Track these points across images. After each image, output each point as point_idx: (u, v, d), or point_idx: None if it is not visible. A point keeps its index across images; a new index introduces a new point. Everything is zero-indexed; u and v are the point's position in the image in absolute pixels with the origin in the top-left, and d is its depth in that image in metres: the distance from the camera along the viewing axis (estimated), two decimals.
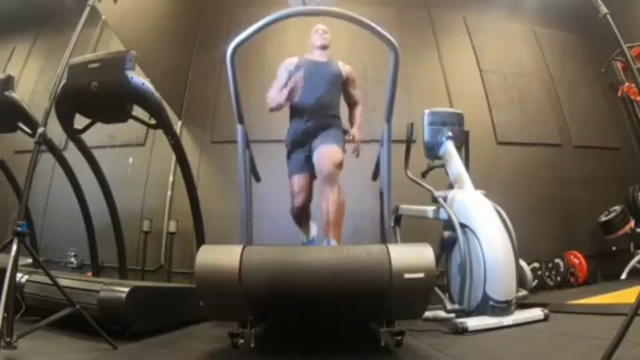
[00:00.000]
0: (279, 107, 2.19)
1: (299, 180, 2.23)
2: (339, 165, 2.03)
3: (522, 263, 2.42)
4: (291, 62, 2.36)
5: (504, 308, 1.97)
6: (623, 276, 3.22)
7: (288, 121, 2.34)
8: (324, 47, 2.35)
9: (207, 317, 2.10)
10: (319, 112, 2.22)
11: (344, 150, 2.18)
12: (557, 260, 3.43)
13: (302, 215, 2.38)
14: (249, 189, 1.80)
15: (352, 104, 2.45)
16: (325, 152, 2.06)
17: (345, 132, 2.36)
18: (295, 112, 2.29)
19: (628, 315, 1.03)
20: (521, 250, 2.19)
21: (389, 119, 1.73)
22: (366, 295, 1.39)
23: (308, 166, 2.23)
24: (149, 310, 1.91)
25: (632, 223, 3.38)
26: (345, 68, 2.38)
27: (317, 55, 2.37)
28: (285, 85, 2.16)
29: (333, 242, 1.94)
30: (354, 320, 1.83)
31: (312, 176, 2.25)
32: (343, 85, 2.36)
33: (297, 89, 2.22)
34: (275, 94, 2.18)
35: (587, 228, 3.74)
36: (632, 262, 3.25)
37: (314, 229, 2.53)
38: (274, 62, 3.78)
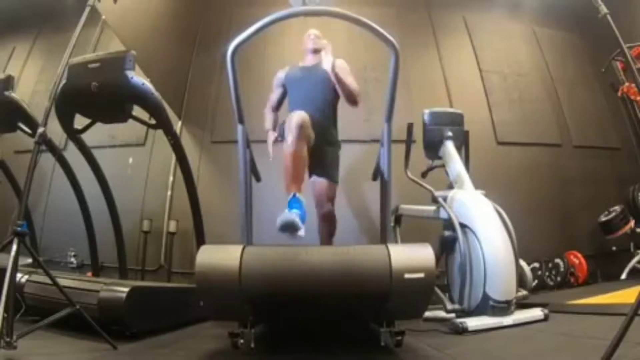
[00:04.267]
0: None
1: (300, 113, 1.87)
2: (331, 199, 2.33)
3: (522, 263, 2.42)
4: (282, 72, 2.48)
5: (504, 308, 1.97)
6: (623, 276, 3.21)
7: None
8: (315, 51, 2.37)
9: (207, 317, 2.11)
10: (312, 114, 2.21)
11: (336, 179, 2.36)
12: (557, 260, 3.43)
13: (298, 151, 1.81)
14: (249, 189, 1.79)
15: (346, 94, 2.23)
16: (321, 188, 2.30)
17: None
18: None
19: (628, 315, 1.03)
20: (521, 250, 2.19)
21: (388, 119, 1.73)
22: (366, 295, 1.39)
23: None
24: (149, 310, 1.91)
25: (632, 223, 3.38)
26: (332, 62, 2.28)
27: (309, 60, 2.39)
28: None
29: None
30: (354, 320, 1.83)
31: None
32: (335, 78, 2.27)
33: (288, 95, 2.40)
34: (268, 116, 2.47)
35: (587, 228, 3.74)
36: (632, 262, 3.25)
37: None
38: (274, 62, 3.80)
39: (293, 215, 1.60)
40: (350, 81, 2.25)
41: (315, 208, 2.34)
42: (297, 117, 1.86)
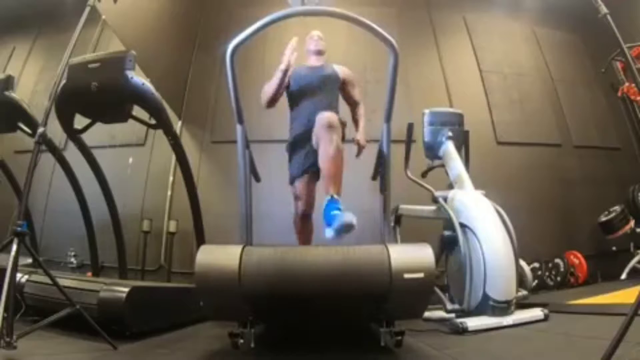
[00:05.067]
0: (272, 99, 2.16)
1: (300, 183, 2.15)
2: (335, 121, 1.91)
3: (522, 263, 2.42)
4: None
5: (503, 308, 1.97)
6: (623, 276, 3.21)
7: (288, 124, 2.33)
8: (319, 53, 2.37)
9: (207, 317, 2.11)
10: (316, 114, 2.22)
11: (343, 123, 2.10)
12: (557, 260, 3.43)
13: (304, 224, 2.21)
14: (249, 189, 1.79)
15: (352, 105, 2.42)
16: (323, 114, 1.94)
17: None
18: (293, 118, 2.30)
19: (628, 315, 1.03)
20: (521, 250, 2.18)
21: (388, 119, 1.73)
22: (366, 295, 1.39)
23: (310, 164, 2.11)
24: (149, 310, 1.91)
25: (632, 223, 3.38)
26: (341, 70, 2.36)
27: (313, 61, 2.38)
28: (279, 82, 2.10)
29: (334, 195, 1.76)
30: (354, 320, 1.83)
31: (316, 177, 2.14)
32: (342, 87, 2.36)
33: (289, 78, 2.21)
34: (268, 87, 2.15)
35: (587, 228, 3.74)
36: (632, 262, 3.25)
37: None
38: (273, 62, 3.79)
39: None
40: (356, 94, 2.38)
41: (319, 142, 1.93)
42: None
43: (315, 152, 1.98)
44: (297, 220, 2.22)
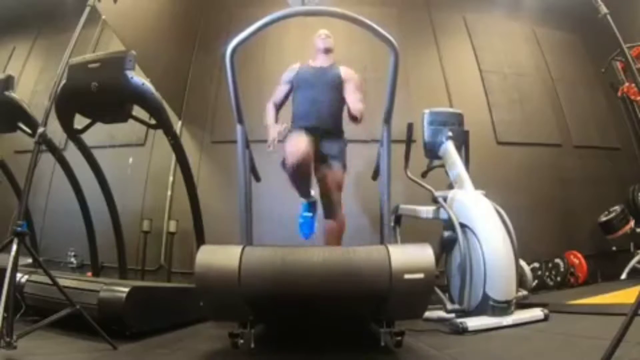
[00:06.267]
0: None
1: (297, 137, 1.99)
2: (340, 188, 2.22)
3: (522, 263, 2.42)
4: (292, 70, 2.45)
5: (503, 308, 1.97)
6: (623, 276, 3.22)
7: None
8: (327, 51, 2.38)
9: (207, 317, 2.10)
10: (318, 117, 2.23)
11: (344, 167, 2.28)
12: (557, 260, 3.43)
13: (300, 174, 2.00)
14: (249, 189, 1.79)
15: (350, 109, 2.24)
16: (328, 176, 2.18)
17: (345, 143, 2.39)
18: (296, 117, 2.32)
19: (628, 315, 1.03)
20: (521, 250, 2.18)
21: (388, 119, 1.73)
22: (366, 296, 1.39)
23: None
24: (149, 310, 1.91)
25: (632, 223, 3.38)
26: (344, 71, 2.36)
27: (320, 60, 2.40)
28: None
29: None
30: (354, 321, 1.83)
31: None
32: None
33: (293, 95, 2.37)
34: (269, 112, 2.35)
35: (587, 228, 3.74)
36: (632, 262, 3.25)
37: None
38: (273, 62, 3.81)
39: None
40: (358, 99, 2.25)
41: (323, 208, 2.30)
42: (296, 154, 1.92)
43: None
44: (290, 170, 2.00)
